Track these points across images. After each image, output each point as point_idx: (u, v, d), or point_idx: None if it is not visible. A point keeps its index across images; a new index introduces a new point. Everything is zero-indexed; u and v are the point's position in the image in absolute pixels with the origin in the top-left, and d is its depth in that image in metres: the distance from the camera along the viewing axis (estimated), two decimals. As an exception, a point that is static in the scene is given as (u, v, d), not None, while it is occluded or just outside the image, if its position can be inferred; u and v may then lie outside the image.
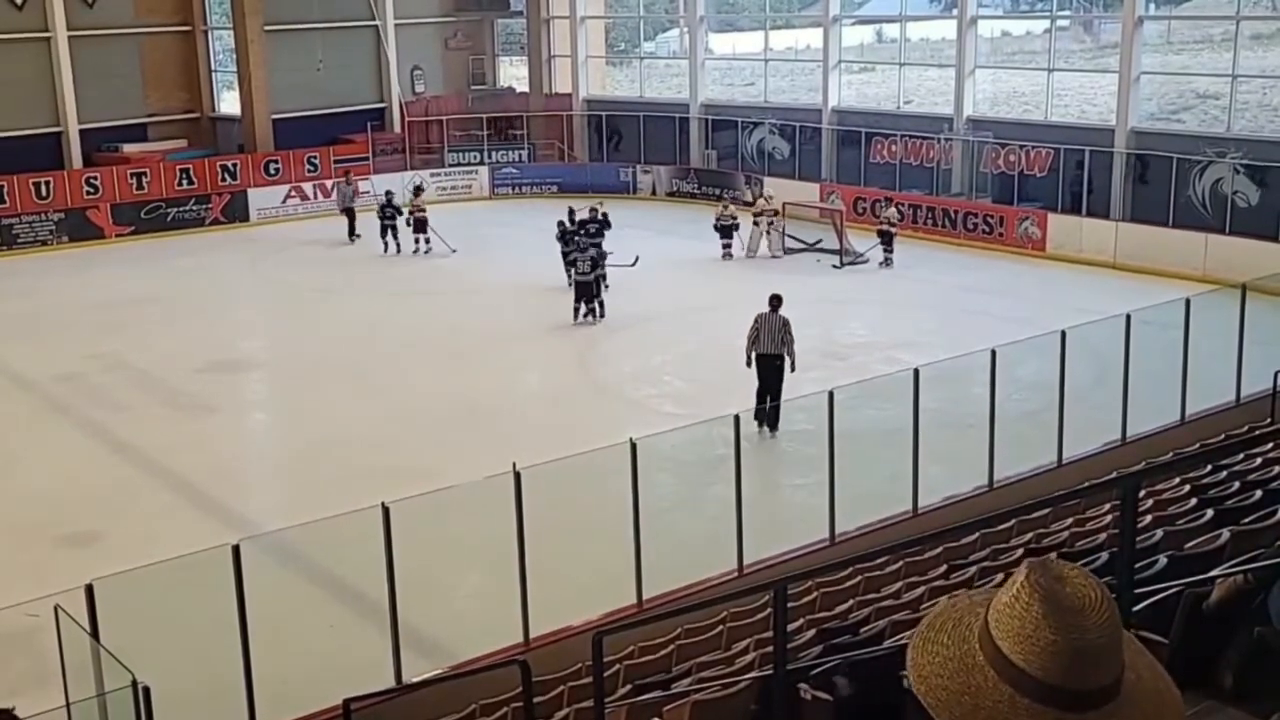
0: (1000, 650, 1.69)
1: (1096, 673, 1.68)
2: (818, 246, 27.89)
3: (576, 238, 24.31)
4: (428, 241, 28.80)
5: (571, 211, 26.09)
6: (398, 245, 28.88)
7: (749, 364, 17.09)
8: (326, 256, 29.68)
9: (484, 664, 10.01)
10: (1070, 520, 10.73)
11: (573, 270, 23.26)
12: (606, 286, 23.33)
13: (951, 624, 1.77)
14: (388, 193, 29.60)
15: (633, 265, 24.77)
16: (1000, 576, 8.25)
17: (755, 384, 16.91)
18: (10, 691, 9.94)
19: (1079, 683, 1.68)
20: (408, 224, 28.86)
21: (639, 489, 11.18)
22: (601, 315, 23.02)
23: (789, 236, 28.21)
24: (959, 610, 1.79)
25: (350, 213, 30.61)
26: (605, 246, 24.11)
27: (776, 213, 28.32)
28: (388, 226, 28.88)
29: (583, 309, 22.84)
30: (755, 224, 28.16)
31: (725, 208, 28.63)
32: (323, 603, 12.59)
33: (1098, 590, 1.71)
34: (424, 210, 29.08)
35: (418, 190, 30.01)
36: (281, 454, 18.15)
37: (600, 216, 26.22)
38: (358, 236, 30.18)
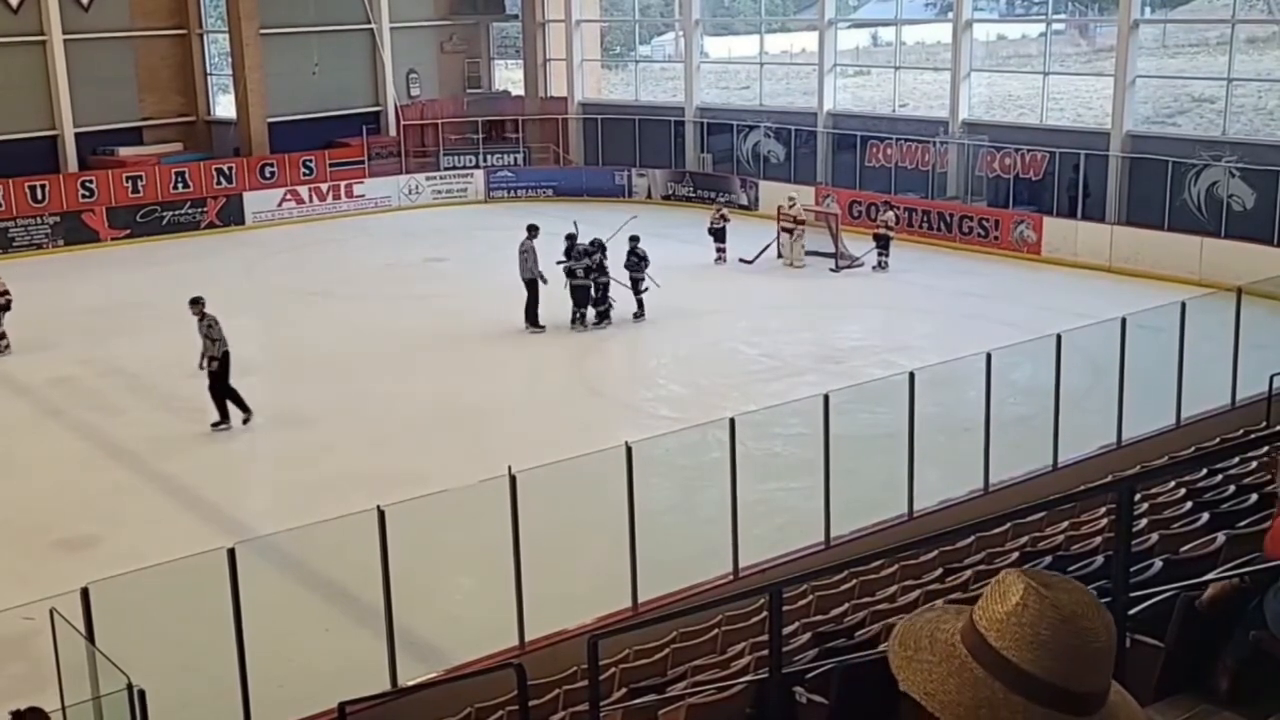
0: (1008, 660, 1.70)
1: (1103, 675, 1.72)
2: (834, 254, 27.23)
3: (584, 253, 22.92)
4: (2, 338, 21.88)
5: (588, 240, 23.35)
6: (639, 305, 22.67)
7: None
8: (323, 260, 29.66)
9: (479, 667, 10.01)
10: (1065, 524, 10.74)
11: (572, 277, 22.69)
12: (613, 301, 22.93)
13: (927, 640, 1.78)
14: (632, 237, 23.01)
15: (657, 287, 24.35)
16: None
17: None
18: (6, 694, 9.92)
19: (1092, 685, 1.71)
20: None
21: (634, 493, 11.19)
22: (608, 321, 22.71)
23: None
24: (924, 627, 1.80)
25: (534, 285, 22.41)
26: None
27: (802, 221, 27.72)
28: (638, 280, 22.79)
29: (575, 314, 22.67)
30: (785, 230, 27.33)
31: (719, 211, 28.61)
32: (318, 606, 12.58)
33: (1090, 594, 1.75)
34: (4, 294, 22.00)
35: None
36: (277, 458, 18.12)
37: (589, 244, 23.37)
38: (539, 328, 22.37)
